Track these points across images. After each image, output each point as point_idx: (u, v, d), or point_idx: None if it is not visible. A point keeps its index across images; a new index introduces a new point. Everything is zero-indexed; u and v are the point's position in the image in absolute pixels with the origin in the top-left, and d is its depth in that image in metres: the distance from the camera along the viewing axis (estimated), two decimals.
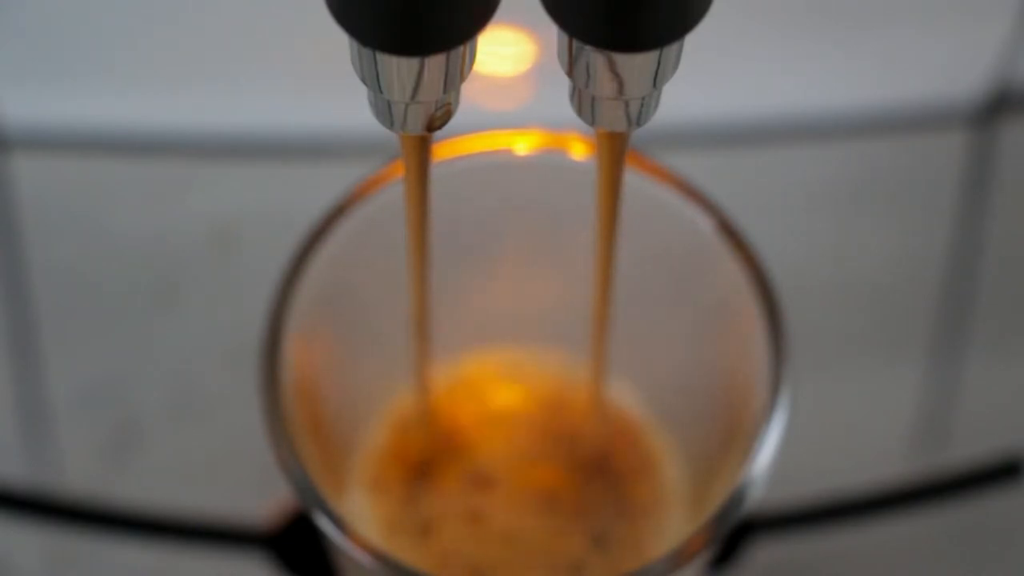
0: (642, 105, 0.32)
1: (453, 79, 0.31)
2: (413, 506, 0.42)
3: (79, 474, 0.52)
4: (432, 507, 0.42)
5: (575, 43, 0.31)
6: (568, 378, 0.44)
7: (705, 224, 0.40)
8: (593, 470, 0.42)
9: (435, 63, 0.31)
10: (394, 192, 0.39)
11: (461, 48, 0.31)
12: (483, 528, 0.42)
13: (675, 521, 0.42)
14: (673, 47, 0.31)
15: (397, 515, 0.42)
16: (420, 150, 0.34)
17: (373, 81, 0.31)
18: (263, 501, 0.47)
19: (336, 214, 0.40)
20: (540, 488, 0.42)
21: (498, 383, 0.44)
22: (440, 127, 0.33)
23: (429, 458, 0.43)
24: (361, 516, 0.42)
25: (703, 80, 0.53)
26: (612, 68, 0.31)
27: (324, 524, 0.36)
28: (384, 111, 0.32)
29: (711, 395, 0.42)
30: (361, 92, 0.32)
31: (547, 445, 0.43)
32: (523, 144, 0.41)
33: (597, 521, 0.42)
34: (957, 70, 0.58)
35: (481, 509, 0.42)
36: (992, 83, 0.58)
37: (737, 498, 0.37)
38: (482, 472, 0.42)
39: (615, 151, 0.34)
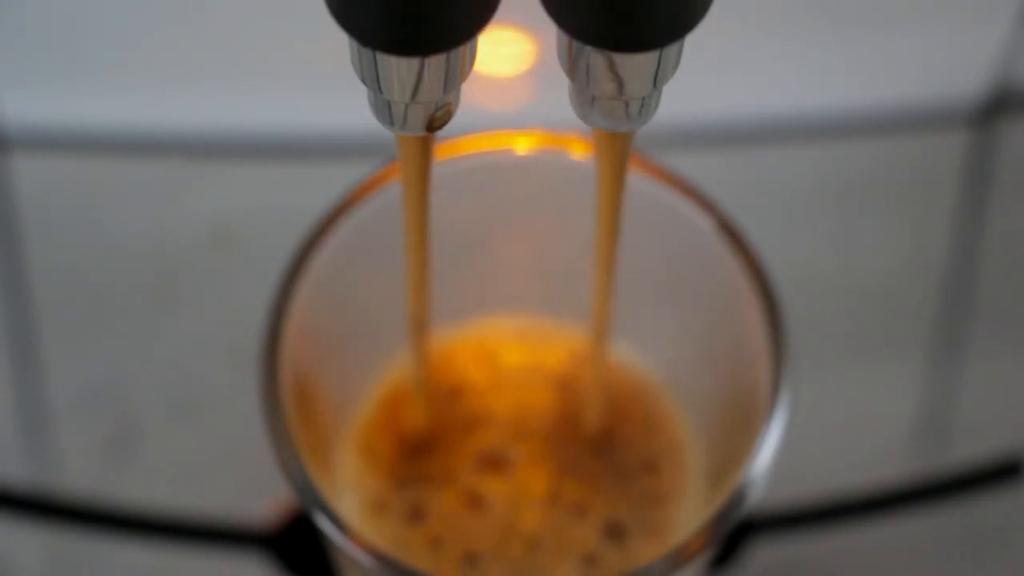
0: (642, 105, 0.32)
1: (453, 79, 0.31)
2: (405, 486, 0.41)
3: (79, 474, 0.52)
4: (425, 488, 0.42)
5: (575, 43, 0.31)
6: (578, 358, 0.43)
7: (705, 224, 0.40)
8: (606, 453, 0.42)
9: (435, 63, 0.31)
10: (394, 192, 0.39)
11: (461, 48, 0.31)
12: (481, 513, 0.41)
13: (694, 509, 0.41)
14: (673, 47, 0.31)
15: (386, 495, 0.41)
16: (420, 151, 0.34)
17: (373, 81, 0.31)
18: (263, 501, 0.47)
19: (336, 214, 0.40)
20: (546, 471, 0.42)
21: (503, 362, 0.44)
22: (440, 127, 0.33)
23: (426, 437, 0.42)
24: (349, 496, 0.41)
25: (703, 80, 0.53)
26: (612, 68, 0.31)
27: (324, 524, 0.36)
28: (384, 111, 0.32)
29: (711, 395, 0.42)
30: (361, 92, 0.32)
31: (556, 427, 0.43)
32: (523, 144, 0.41)
33: (611, 509, 0.41)
34: (957, 70, 0.58)
35: (480, 491, 0.42)
36: (992, 83, 0.58)
37: (737, 498, 0.37)
38: (482, 452, 0.42)
39: (616, 152, 0.34)
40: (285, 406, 0.38)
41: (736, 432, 0.40)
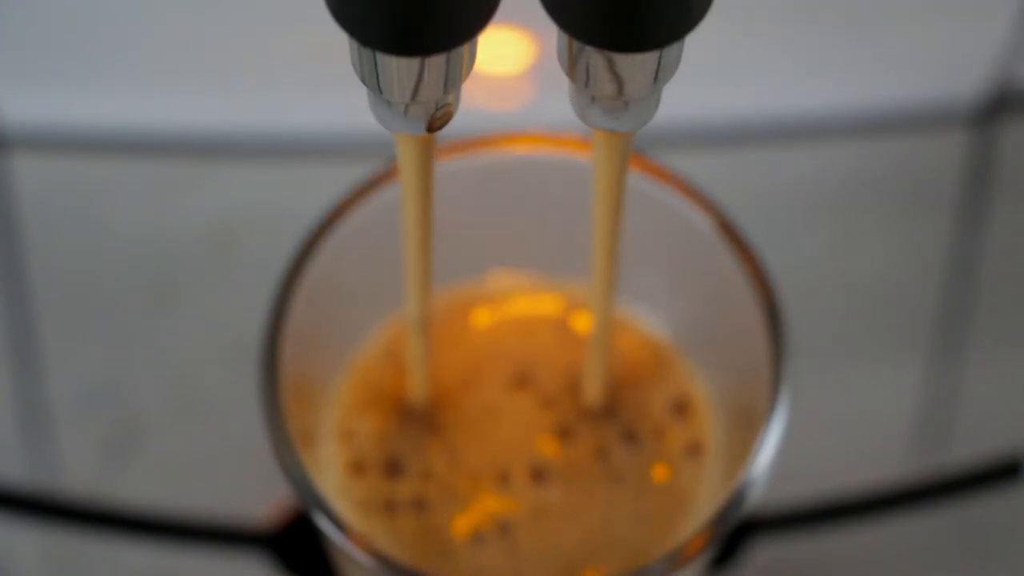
0: (642, 105, 0.32)
1: (453, 79, 0.31)
2: (393, 448, 0.41)
3: (79, 474, 0.53)
4: (417, 449, 0.41)
5: (575, 43, 0.31)
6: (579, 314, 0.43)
7: (705, 224, 0.40)
8: (613, 413, 0.42)
9: (435, 63, 0.31)
10: (394, 193, 0.39)
11: (461, 48, 0.31)
12: (471, 475, 0.41)
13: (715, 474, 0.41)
14: (673, 47, 0.31)
15: (368, 458, 0.41)
16: (420, 151, 0.34)
17: (373, 81, 0.31)
18: (263, 501, 0.47)
19: (335, 214, 0.40)
20: (556, 428, 0.42)
21: (502, 317, 0.43)
22: (440, 128, 0.33)
23: (422, 402, 0.42)
24: (335, 460, 0.41)
25: (703, 80, 0.53)
26: (612, 68, 0.31)
27: (324, 524, 0.36)
28: (384, 111, 0.32)
29: (712, 395, 0.42)
30: (361, 92, 0.32)
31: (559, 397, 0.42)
32: (523, 144, 0.41)
33: (617, 472, 0.41)
34: (957, 70, 0.58)
35: (476, 450, 0.41)
36: (992, 83, 0.58)
37: (737, 498, 0.37)
38: (480, 408, 0.42)
39: (616, 152, 0.34)
40: (284, 406, 0.38)
41: (739, 431, 0.40)
